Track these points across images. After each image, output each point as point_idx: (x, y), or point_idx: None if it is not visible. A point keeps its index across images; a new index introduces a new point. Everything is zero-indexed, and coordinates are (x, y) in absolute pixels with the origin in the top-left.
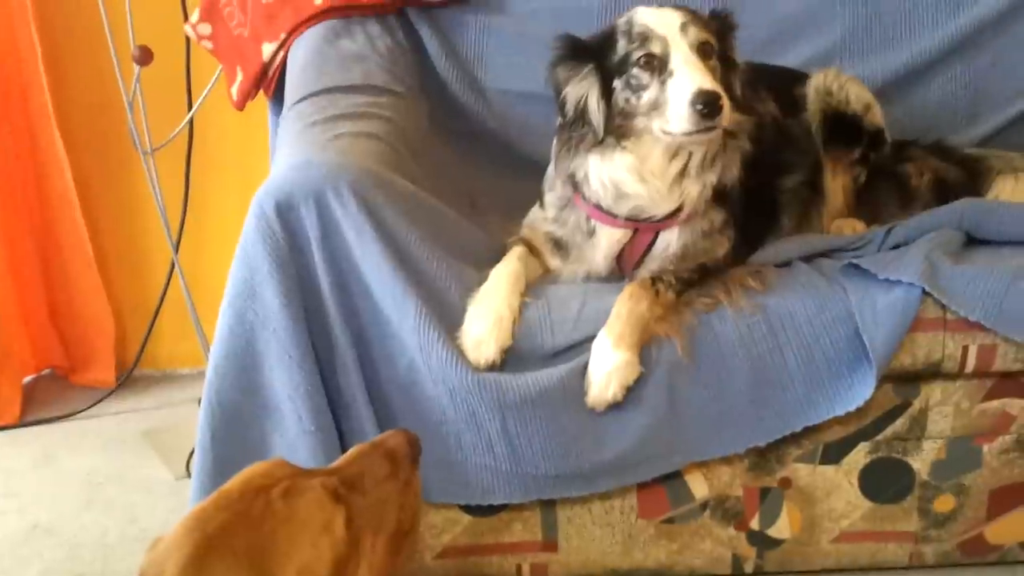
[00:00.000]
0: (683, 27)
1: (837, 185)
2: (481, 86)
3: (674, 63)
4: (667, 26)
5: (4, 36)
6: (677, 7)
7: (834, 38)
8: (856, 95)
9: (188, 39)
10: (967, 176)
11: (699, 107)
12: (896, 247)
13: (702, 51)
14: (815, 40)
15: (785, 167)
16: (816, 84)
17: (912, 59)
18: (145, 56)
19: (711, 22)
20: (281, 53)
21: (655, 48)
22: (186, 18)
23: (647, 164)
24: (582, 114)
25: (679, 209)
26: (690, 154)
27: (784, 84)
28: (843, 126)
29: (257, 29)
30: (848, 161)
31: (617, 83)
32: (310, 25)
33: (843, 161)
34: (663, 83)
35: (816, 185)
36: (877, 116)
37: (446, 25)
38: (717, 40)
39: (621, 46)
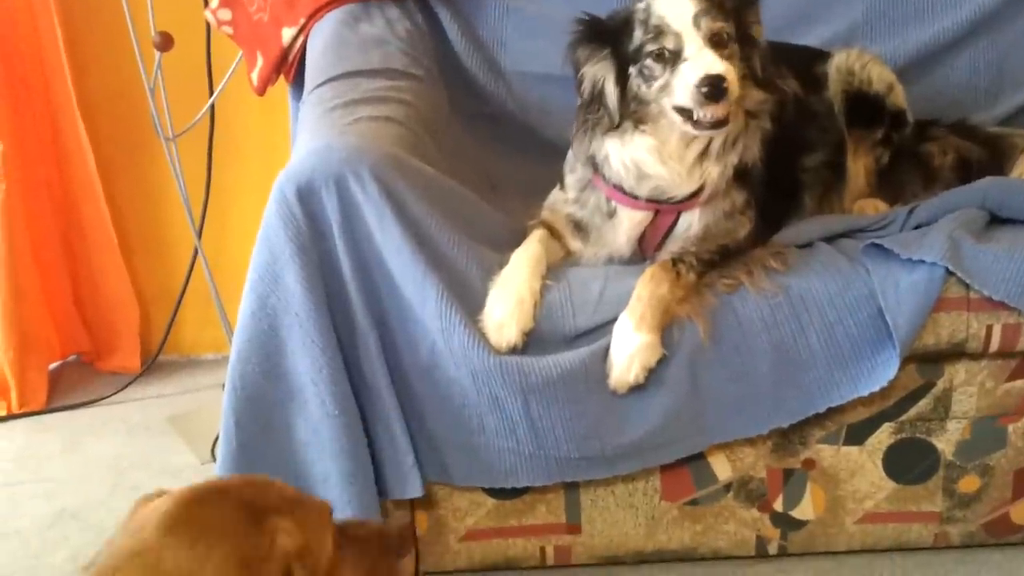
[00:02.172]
0: (696, 19)
1: (859, 166)
2: (500, 68)
3: (686, 56)
4: (681, 19)
5: (26, 24)
6: None
7: (855, 17)
8: (879, 75)
9: (208, 25)
10: (990, 155)
11: (704, 90)
12: (919, 227)
13: (716, 42)
14: (836, 19)
15: (807, 145)
16: (838, 64)
17: (934, 37)
18: (166, 42)
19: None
20: (301, 38)
21: (668, 43)
22: (206, 4)
23: (667, 146)
24: (599, 97)
25: (700, 190)
26: (711, 136)
27: (804, 62)
28: (865, 106)
29: (277, 14)
30: (871, 142)
31: (632, 70)
32: (329, 9)
33: (865, 142)
34: (675, 71)
35: (837, 164)
36: (899, 96)
37: (465, 8)
38: (736, 18)
39: (637, 36)
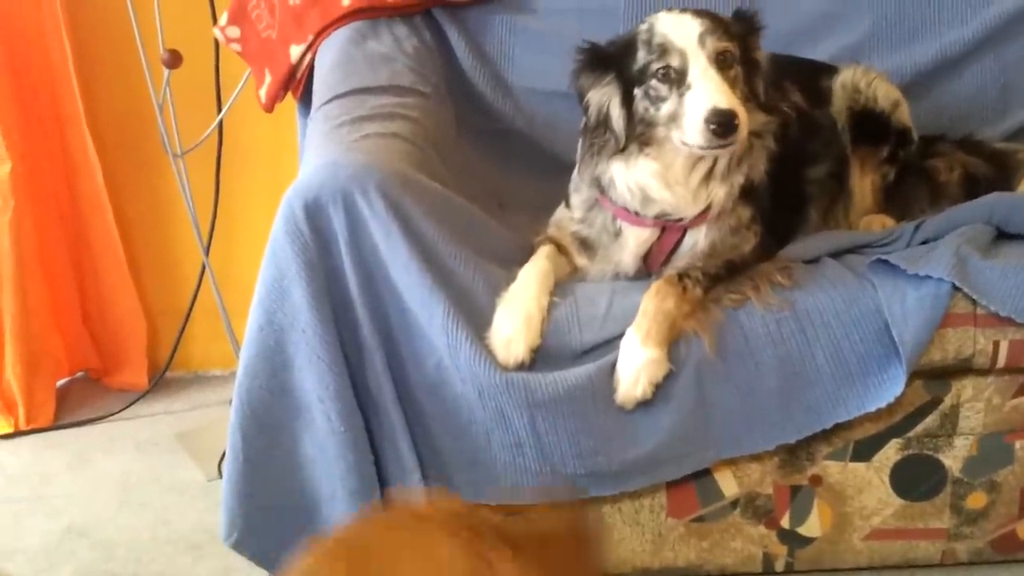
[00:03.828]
0: (701, 38)
1: (866, 183)
2: (508, 85)
3: (692, 76)
4: (686, 37)
5: (35, 40)
6: (698, 13)
7: (862, 32)
8: (884, 92)
9: (217, 42)
10: (997, 170)
11: (713, 127)
12: (925, 242)
13: (721, 61)
14: (843, 35)
15: (811, 158)
16: (843, 81)
17: (941, 53)
18: (174, 60)
19: (734, 24)
20: (309, 55)
21: (673, 61)
22: (215, 21)
23: (671, 171)
24: (605, 121)
25: (706, 209)
26: (715, 158)
27: (809, 76)
28: (871, 124)
29: (285, 31)
30: (877, 159)
31: (637, 92)
32: (337, 27)
33: (872, 159)
34: (681, 96)
35: (841, 177)
36: (905, 114)
37: (472, 25)
38: (740, 42)
39: (641, 56)
